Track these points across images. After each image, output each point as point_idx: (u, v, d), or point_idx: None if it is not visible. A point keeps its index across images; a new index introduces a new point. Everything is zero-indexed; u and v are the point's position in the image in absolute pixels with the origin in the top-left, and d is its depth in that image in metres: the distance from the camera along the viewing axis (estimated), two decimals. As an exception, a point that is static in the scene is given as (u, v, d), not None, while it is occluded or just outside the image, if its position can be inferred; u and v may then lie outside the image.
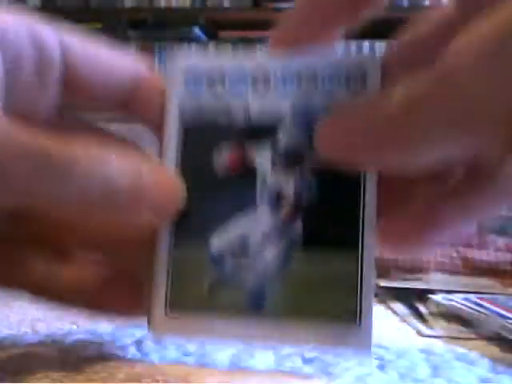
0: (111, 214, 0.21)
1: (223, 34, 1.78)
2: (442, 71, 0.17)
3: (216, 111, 0.22)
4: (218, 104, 0.22)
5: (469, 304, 0.31)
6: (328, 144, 0.20)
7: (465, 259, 0.45)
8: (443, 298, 0.33)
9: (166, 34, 1.76)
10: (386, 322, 0.32)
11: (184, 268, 0.22)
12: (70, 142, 0.19)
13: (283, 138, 0.22)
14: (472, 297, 0.33)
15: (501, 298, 0.33)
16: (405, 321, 0.32)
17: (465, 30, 0.17)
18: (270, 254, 0.22)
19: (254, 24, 1.76)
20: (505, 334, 0.27)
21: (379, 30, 1.71)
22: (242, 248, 0.22)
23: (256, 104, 0.22)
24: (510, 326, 0.27)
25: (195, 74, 0.23)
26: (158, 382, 0.20)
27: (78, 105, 0.23)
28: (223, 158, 0.22)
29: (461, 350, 0.26)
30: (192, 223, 0.22)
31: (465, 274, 0.43)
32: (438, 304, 0.33)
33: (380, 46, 1.75)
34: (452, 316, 0.32)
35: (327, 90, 0.22)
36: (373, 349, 0.21)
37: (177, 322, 0.22)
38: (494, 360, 0.24)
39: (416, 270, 0.43)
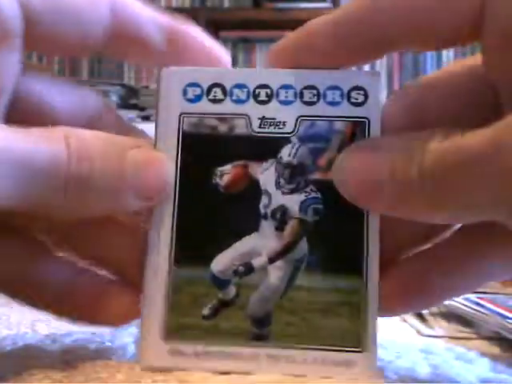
0: (94, 201, 0.20)
1: (223, 33, 1.78)
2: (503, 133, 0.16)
3: (217, 122, 0.22)
4: (219, 114, 0.22)
5: (469, 304, 0.31)
6: (350, 180, 0.20)
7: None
8: (443, 298, 0.33)
9: (166, 34, 1.76)
10: (386, 322, 0.32)
11: (184, 290, 0.21)
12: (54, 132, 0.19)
13: (287, 152, 0.22)
14: (472, 296, 0.33)
15: (501, 297, 0.33)
16: (405, 321, 0.32)
17: None
18: (275, 277, 0.21)
19: (254, 24, 1.76)
20: (505, 333, 0.27)
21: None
22: (245, 268, 0.21)
23: (257, 115, 0.22)
24: (509, 325, 0.27)
25: (193, 85, 0.22)
26: (157, 382, 0.20)
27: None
28: (226, 174, 0.22)
29: (461, 349, 0.26)
30: (192, 242, 0.21)
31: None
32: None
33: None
34: (452, 316, 0.32)
35: (329, 102, 0.22)
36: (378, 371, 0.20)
37: (175, 349, 0.21)
38: (494, 359, 0.24)
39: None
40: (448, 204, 0.18)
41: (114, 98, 1.54)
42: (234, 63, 1.80)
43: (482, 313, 0.29)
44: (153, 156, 0.21)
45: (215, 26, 1.79)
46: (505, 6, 0.18)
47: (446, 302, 0.32)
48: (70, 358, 0.22)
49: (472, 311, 0.30)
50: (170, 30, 0.23)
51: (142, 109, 1.49)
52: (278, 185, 0.21)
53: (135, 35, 0.22)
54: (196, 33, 0.23)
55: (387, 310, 0.21)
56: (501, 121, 0.17)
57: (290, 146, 0.22)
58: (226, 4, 1.79)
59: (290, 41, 0.22)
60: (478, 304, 0.31)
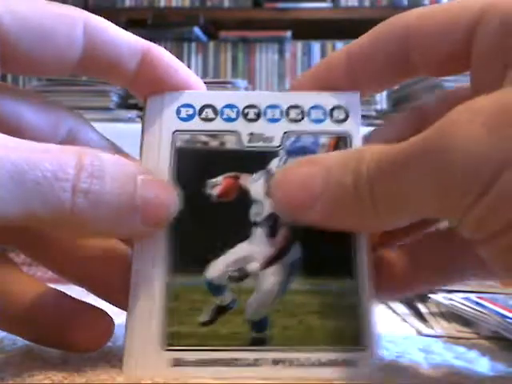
0: (102, 219, 0.19)
1: (223, 33, 1.77)
2: (435, 135, 0.17)
3: (208, 138, 0.23)
4: (210, 131, 0.23)
5: (469, 304, 0.31)
6: (284, 195, 0.21)
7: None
8: (443, 298, 0.33)
9: (166, 34, 1.75)
10: (387, 322, 0.32)
11: (181, 298, 0.21)
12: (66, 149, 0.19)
13: (276, 164, 0.23)
14: (472, 296, 0.33)
15: (501, 297, 0.33)
16: (405, 320, 0.32)
17: (460, 105, 0.17)
18: (269, 282, 0.21)
19: (254, 24, 1.76)
20: (505, 333, 0.27)
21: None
22: (240, 273, 0.21)
23: (247, 131, 0.23)
24: (509, 325, 0.27)
25: (186, 106, 0.23)
26: None
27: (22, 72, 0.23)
28: (218, 185, 0.22)
29: (461, 349, 0.26)
30: (187, 250, 0.22)
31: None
32: (438, 304, 0.33)
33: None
34: (452, 316, 0.32)
35: (313, 120, 0.23)
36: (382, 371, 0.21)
37: (175, 359, 0.20)
38: (494, 359, 0.24)
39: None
40: (384, 208, 0.19)
41: (114, 98, 1.54)
42: (234, 63, 1.80)
43: (482, 313, 0.29)
44: (162, 184, 0.21)
45: (215, 25, 1.79)
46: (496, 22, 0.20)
47: (446, 302, 0.32)
48: (70, 359, 0.22)
49: (472, 311, 0.30)
50: (142, 53, 0.23)
51: (142, 109, 1.49)
52: (267, 194, 0.22)
53: (107, 57, 0.22)
54: (168, 57, 0.23)
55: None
56: (430, 127, 0.17)
57: (278, 158, 0.23)
58: (226, 4, 1.79)
59: (309, 73, 0.24)
60: (478, 304, 0.31)
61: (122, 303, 0.22)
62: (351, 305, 0.21)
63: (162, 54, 0.23)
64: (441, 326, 0.30)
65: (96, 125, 0.25)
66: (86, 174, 0.19)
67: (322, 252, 0.22)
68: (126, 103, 1.57)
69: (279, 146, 0.23)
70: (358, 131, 0.23)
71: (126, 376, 0.20)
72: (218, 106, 0.23)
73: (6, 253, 0.23)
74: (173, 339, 0.21)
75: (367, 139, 0.24)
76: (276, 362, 0.20)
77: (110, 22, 0.23)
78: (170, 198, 0.21)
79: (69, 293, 0.23)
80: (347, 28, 1.72)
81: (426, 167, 0.17)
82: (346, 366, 0.20)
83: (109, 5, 1.78)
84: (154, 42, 0.24)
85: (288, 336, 0.21)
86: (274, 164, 0.23)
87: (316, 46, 1.77)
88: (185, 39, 1.79)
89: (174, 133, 0.23)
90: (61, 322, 0.22)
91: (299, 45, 1.77)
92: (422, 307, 0.34)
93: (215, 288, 0.21)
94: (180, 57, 1.75)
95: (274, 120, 0.23)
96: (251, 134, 0.23)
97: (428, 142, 0.17)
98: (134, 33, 0.23)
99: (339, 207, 0.19)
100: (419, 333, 0.30)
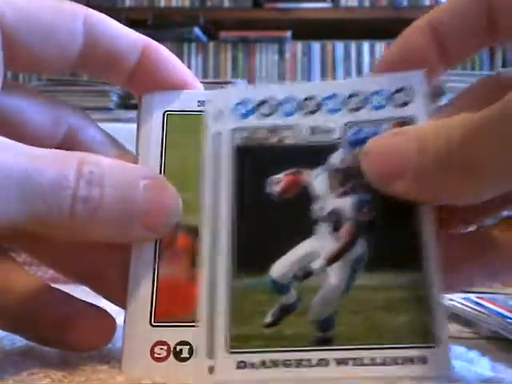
0: (101, 226, 0.20)
1: (223, 33, 1.77)
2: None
3: (267, 134, 0.22)
4: (269, 126, 0.22)
5: (469, 304, 0.31)
6: (375, 162, 0.21)
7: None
8: (443, 298, 0.33)
9: (166, 34, 1.75)
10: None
11: (244, 299, 0.21)
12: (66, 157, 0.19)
13: (338, 157, 0.22)
14: (472, 296, 0.33)
15: (500, 297, 0.33)
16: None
17: None
18: (335, 278, 0.21)
19: (254, 24, 1.76)
20: (504, 333, 0.27)
21: (379, 30, 1.71)
22: (304, 271, 0.21)
23: (306, 125, 0.22)
24: (509, 325, 0.27)
25: (243, 103, 0.23)
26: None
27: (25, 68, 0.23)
28: (278, 181, 0.22)
29: (461, 349, 0.26)
30: (250, 249, 0.21)
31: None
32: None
33: (380, 46, 1.75)
34: (452, 316, 0.32)
35: (375, 106, 0.22)
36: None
37: (241, 361, 0.20)
38: (494, 359, 0.24)
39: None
40: (476, 176, 0.18)
41: (114, 98, 1.54)
42: (234, 63, 1.80)
43: (482, 313, 0.29)
44: (165, 188, 0.21)
45: (215, 25, 1.79)
46: None
47: (446, 302, 0.32)
48: (70, 358, 0.22)
49: (472, 311, 0.30)
50: (142, 48, 0.23)
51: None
52: (330, 189, 0.22)
53: (107, 51, 0.22)
54: (167, 54, 0.23)
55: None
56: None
57: (340, 151, 0.22)
58: (226, 4, 1.79)
59: (393, 48, 0.23)
60: (478, 304, 0.31)
61: (122, 301, 0.22)
62: (420, 299, 0.20)
63: (160, 51, 0.23)
64: (441, 326, 0.30)
65: (96, 125, 0.25)
66: (85, 182, 0.19)
67: (387, 246, 0.21)
68: (125, 103, 1.57)
69: (340, 138, 0.22)
70: (423, 113, 0.22)
71: (125, 375, 0.20)
72: (276, 101, 0.23)
73: (8, 252, 0.23)
74: (238, 342, 0.20)
75: (446, 106, 0.23)
76: (341, 362, 0.20)
77: (109, 18, 0.23)
78: (172, 204, 0.21)
79: (70, 293, 0.23)
80: (347, 28, 1.72)
81: (505, 133, 0.17)
82: (415, 363, 0.20)
83: (109, 5, 1.78)
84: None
85: (353, 334, 0.20)
86: (336, 157, 0.22)
87: (316, 46, 1.77)
88: (185, 39, 1.79)
89: (232, 130, 0.22)
90: (62, 321, 0.22)
91: (299, 45, 1.77)
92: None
93: (280, 287, 0.21)
94: (180, 57, 1.74)
95: (333, 111, 0.22)
96: (311, 127, 0.22)
97: (507, 106, 0.17)
98: (133, 33, 0.23)
99: (430, 174, 0.19)
100: (419, 333, 0.29)
